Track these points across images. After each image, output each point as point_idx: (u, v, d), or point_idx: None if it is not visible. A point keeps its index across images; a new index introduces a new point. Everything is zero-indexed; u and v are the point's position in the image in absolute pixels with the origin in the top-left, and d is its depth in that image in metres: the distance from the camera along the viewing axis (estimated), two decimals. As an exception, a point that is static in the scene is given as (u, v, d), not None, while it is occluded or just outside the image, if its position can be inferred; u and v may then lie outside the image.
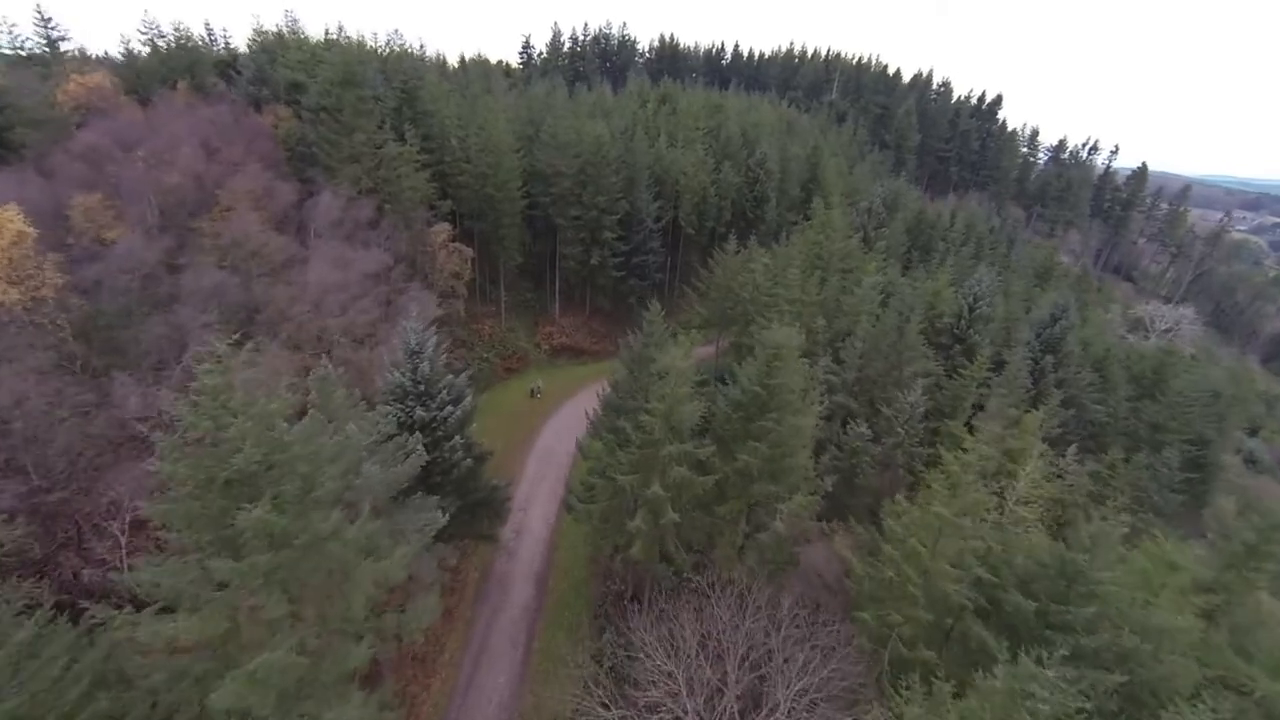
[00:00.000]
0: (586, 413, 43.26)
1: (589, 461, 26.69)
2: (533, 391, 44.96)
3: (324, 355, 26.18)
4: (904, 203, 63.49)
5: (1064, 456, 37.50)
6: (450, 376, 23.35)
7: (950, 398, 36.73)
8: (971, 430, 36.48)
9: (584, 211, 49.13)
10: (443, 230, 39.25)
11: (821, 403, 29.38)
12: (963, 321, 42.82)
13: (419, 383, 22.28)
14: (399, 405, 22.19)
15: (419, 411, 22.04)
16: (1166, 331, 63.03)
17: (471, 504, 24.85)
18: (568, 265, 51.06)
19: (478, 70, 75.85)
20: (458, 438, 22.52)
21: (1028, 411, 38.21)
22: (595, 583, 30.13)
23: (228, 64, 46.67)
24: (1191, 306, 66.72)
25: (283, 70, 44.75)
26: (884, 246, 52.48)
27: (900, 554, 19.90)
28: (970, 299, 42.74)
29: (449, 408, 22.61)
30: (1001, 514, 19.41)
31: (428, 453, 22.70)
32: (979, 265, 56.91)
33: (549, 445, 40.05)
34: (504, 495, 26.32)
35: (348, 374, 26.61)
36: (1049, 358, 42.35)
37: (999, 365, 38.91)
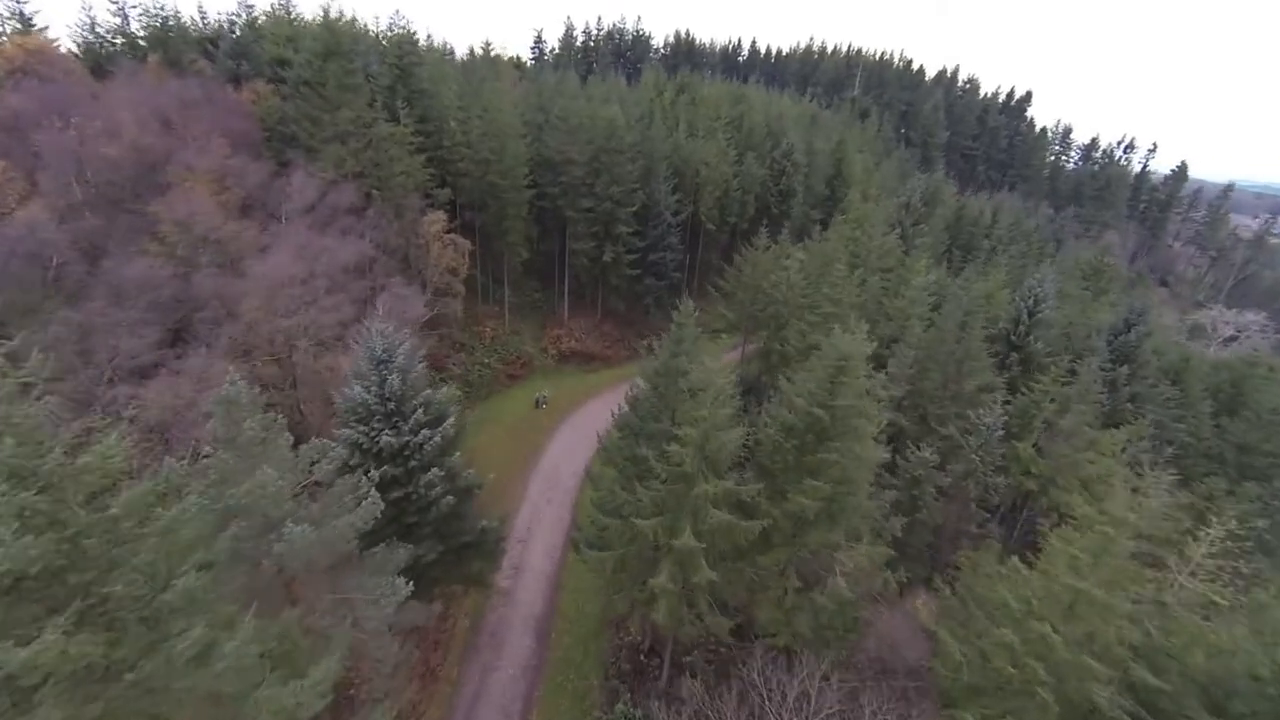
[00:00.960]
0: (599, 434, 38.34)
1: (600, 493, 21.65)
2: (538, 401, 40.02)
3: (281, 362, 21.37)
4: (941, 198, 58.03)
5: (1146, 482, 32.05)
6: (429, 391, 18.40)
7: (1019, 414, 31.34)
8: (1040, 452, 31.26)
9: (596, 203, 44.17)
10: (437, 220, 34.45)
11: (879, 424, 24.20)
12: (1021, 327, 37.45)
13: (387, 399, 17.35)
14: (361, 428, 17.28)
15: (386, 436, 17.10)
16: (1231, 339, 56.94)
17: (457, 547, 19.91)
18: (578, 262, 46.10)
19: (486, 62, 71.19)
20: (435, 470, 17.54)
21: (1106, 430, 32.88)
22: (607, 632, 25.03)
23: (211, 41, 42.36)
24: (1263, 312, 60.58)
25: (269, 46, 40.27)
26: (925, 244, 47.09)
27: (1018, 637, 14.62)
28: (1030, 302, 37.32)
29: (425, 431, 17.65)
30: (1165, 589, 14.18)
31: (400, 487, 17.83)
32: (1028, 265, 51.40)
33: (555, 464, 35.04)
34: (498, 535, 21.32)
35: (311, 387, 21.79)
36: (1123, 369, 36.77)
37: (1067, 376, 33.50)
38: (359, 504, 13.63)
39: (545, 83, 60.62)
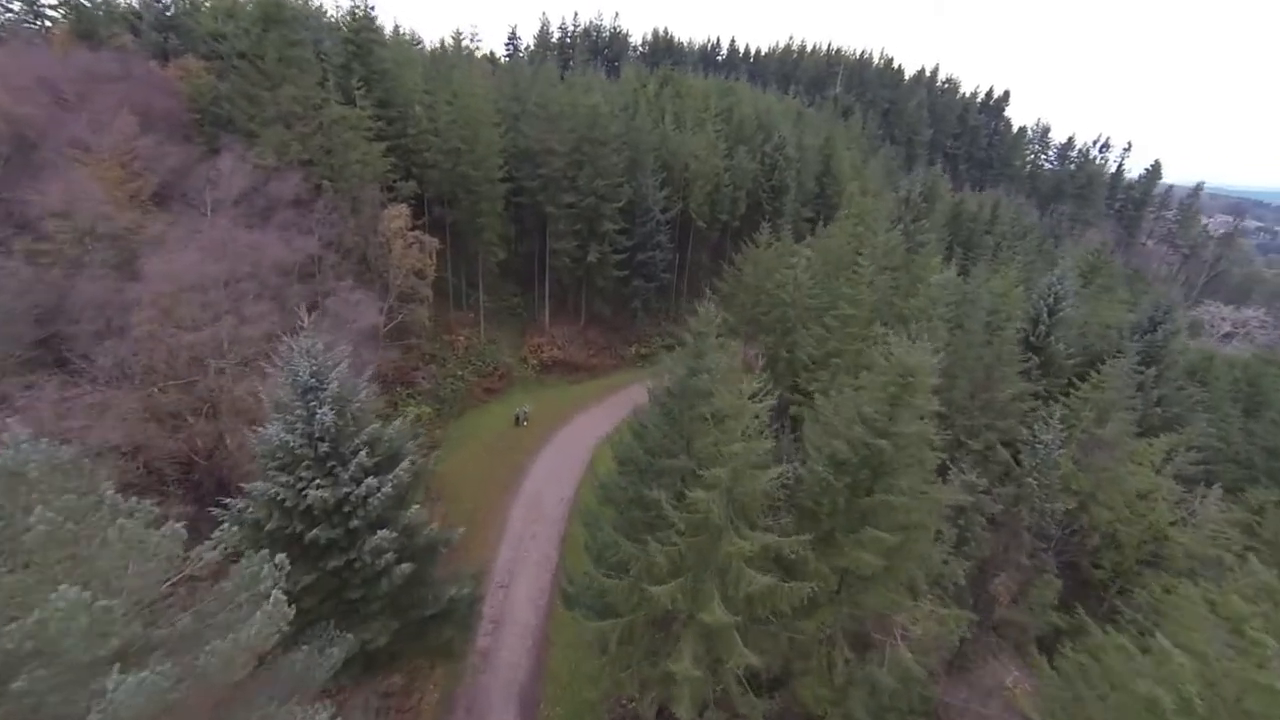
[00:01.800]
0: (589, 450, 33.91)
1: (597, 542, 17.41)
2: (518, 418, 35.55)
3: (194, 386, 16.64)
4: (939, 193, 55.30)
5: (1198, 499, 29.09)
6: (376, 425, 13.96)
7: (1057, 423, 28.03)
8: (1076, 465, 28.07)
9: (579, 198, 39.96)
10: (400, 214, 29.81)
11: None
12: (1041, 327, 34.29)
13: (317, 439, 12.88)
14: (283, 479, 12.78)
15: (315, 489, 12.62)
16: (1227, 336, 55.29)
17: (419, 620, 15.48)
18: (560, 263, 41.81)
19: (456, 54, 66.31)
20: (384, 531, 13.13)
21: (1141, 438, 29.92)
22: (606, 701, 20.78)
23: (138, 15, 37.03)
24: (1261, 308, 59.27)
25: (204, 19, 35.14)
26: (930, 241, 43.99)
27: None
28: (1050, 300, 34.23)
29: (370, 480, 13.22)
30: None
31: (339, 553, 13.42)
32: (1036, 262, 48.88)
33: (538, 490, 30.60)
34: (472, 599, 16.92)
35: (237, 417, 17.08)
36: (1150, 370, 33.97)
37: (1080, 380, 30.57)
38: (261, 605, 9.16)
39: (521, 73, 56.21)
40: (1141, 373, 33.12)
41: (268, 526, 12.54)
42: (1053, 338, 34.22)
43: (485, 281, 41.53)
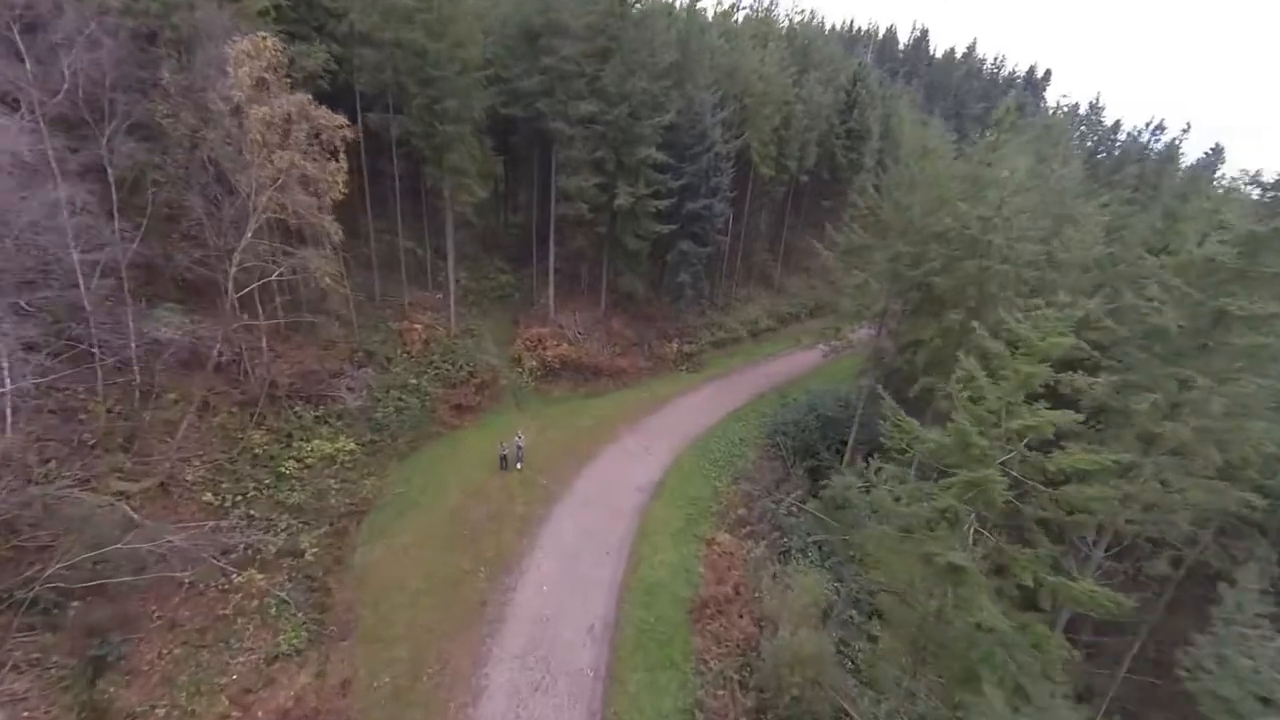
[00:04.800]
0: (703, 659, 15.83)
1: None
2: (505, 458, 20.12)
3: None
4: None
5: None
6: None
7: None
8: None
9: (603, 108, 24.80)
10: (260, 48, 14.17)
11: None
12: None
13: None
14: None
15: None
16: None
17: None
18: (572, 213, 26.37)
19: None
20: None
21: None
22: None
23: None
24: None
25: None
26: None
27: None
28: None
29: None
30: None
31: None
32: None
33: (542, 607, 15.07)
34: None
35: None
36: None
37: None
38: None
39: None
40: None
41: None
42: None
43: (457, 243, 26.14)
